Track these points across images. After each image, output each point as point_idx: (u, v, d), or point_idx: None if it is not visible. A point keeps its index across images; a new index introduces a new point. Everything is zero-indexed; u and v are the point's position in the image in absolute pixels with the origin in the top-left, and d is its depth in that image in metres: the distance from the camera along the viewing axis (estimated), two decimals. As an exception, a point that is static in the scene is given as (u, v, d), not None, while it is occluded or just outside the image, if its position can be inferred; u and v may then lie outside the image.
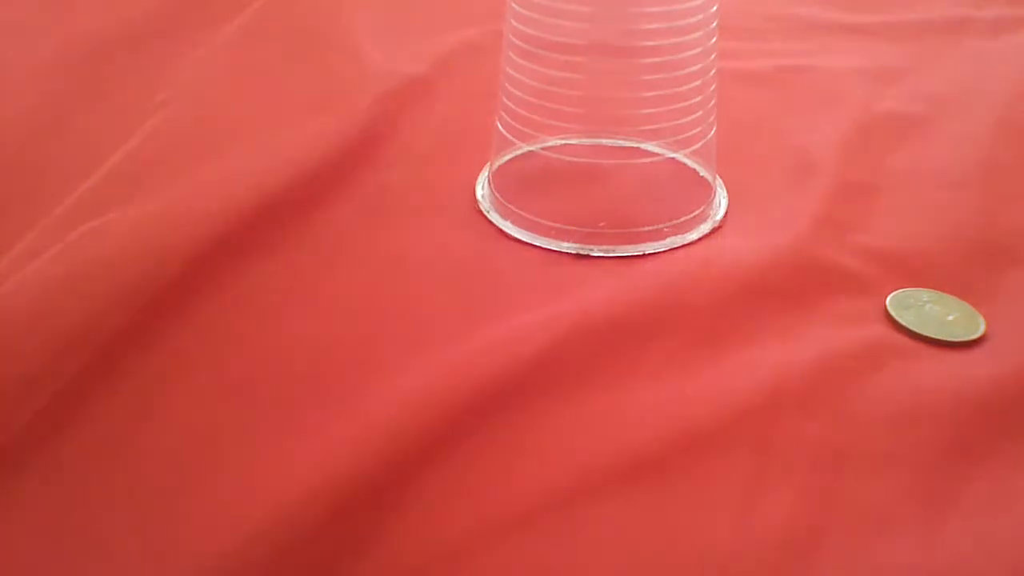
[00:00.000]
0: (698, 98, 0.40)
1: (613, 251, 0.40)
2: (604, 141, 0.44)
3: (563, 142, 0.43)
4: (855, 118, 0.49)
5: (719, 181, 0.44)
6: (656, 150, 0.43)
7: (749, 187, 0.44)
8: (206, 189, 0.41)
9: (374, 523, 0.28)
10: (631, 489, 0.29)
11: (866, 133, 0.48)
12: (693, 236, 0.41)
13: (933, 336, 0.35)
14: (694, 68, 0.40)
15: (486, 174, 0.45)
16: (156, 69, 0.53)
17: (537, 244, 0.40)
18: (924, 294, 0.37)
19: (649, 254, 0.40)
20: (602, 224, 0.40)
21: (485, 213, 0.42)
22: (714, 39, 0.40)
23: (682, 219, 0.41)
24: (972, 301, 0.37)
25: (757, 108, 0.52)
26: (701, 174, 0.44)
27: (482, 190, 0.44)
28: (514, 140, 0.42)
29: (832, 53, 0.58)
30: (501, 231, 0.41)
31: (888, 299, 0.37)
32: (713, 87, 0.41)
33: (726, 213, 0.43)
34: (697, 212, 0.42)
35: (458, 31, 0.59)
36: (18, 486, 0.29)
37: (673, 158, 0.43)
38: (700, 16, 0.39)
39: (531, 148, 0.43)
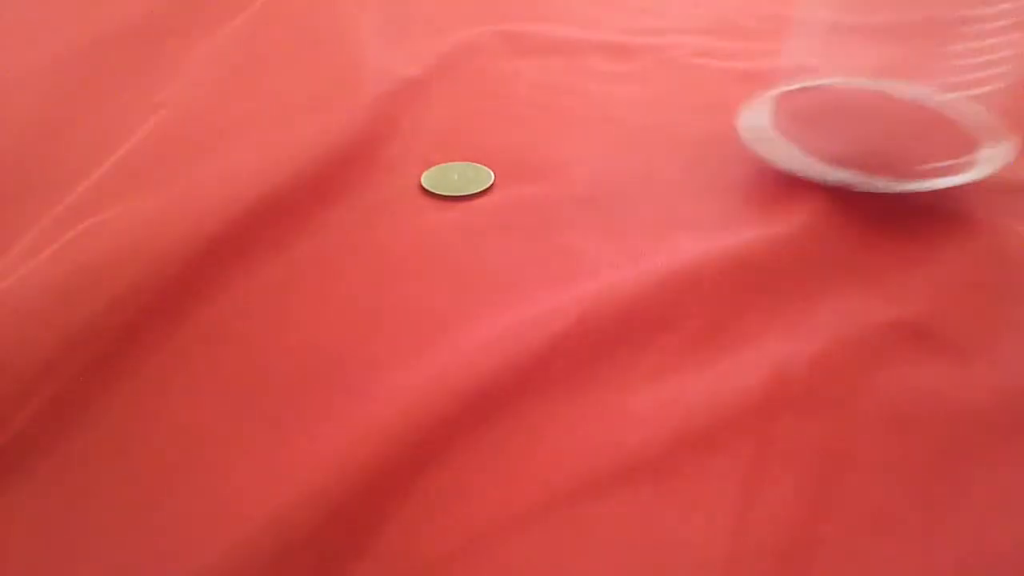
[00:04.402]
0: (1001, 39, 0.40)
1: (879, 186, 0.40)
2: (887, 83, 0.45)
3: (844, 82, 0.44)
4: (855, 117, 0.49)
5: (998, 132, 0.43)
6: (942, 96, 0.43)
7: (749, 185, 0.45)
8: (206, 188, 0.41)
9: (374, 523, 0.28)
10: (630, 489, 0.29)
11: (866, 132, 0.48)
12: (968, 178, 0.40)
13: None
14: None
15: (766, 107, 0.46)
16: (156, 69, 0.53)
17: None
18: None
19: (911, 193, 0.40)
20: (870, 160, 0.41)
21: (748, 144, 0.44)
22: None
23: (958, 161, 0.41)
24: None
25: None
26: (972, 123, 0.43)
27: (756, 119, 0.45)
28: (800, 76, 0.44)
29: (832, 53, 0.57)
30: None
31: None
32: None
33: (1008, 163, 0.42)
34: (962, 159, 0.41)
35: (458, 31, 0.59)
36: (18, 485, 0.29)
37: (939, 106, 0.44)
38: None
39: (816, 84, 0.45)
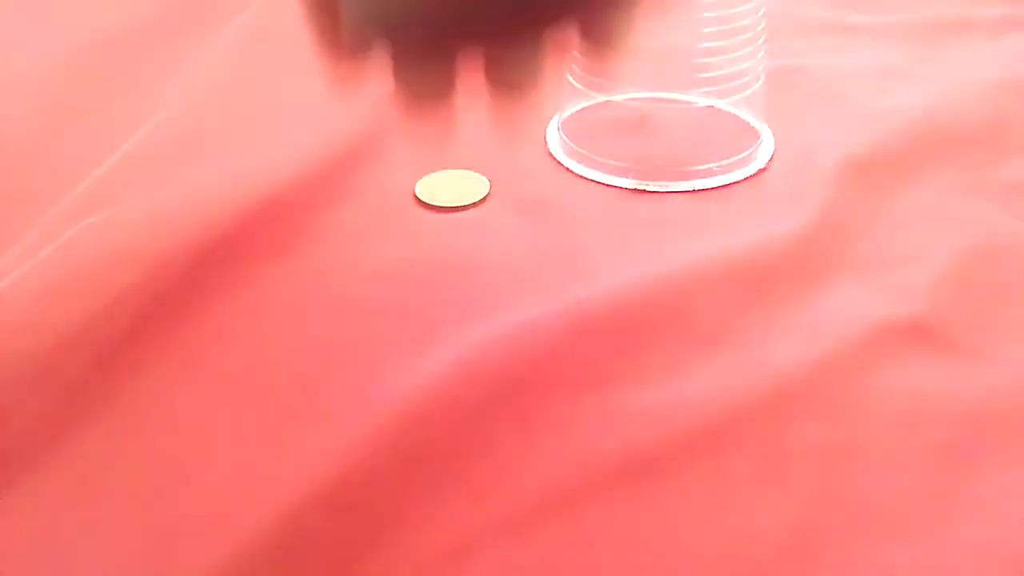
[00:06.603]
0: (749, 49, 0.45)
1: (667, 186, 0.44)
2: (662, 94, 0.49)
3: (626, 96, 0.49)
4: (856, 117, 0.49)
5: (766, 128, 0.48)
6: (708, 102, 0.48)
7: (749, 184, 0.45)
8: (206, 188, 0.41)
9: (374, 524, 0.28)
10: (631, 489, 0.29)
11: (867, 132, 0.48)
12: (739, 176, 0.45)
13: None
14: (746, 22, 0.44)
15: (555, 123, 0.49)
16: (156, 69, 0.53)
17: (600, 181, 0.45)
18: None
19: (699, 190, 0.44)
20: (658, 162, 0.45)
21: (553, 155, 0.47)
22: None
23: (731, 160, 0.45)
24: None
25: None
26: (750, 123, 0.48)
27: (551, 136, 0.48)
28: (586, 91, 0.48)
29: (833, 53, 0.57)
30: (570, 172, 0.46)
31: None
32: (761, 40, 0.45)
33: (771, 157, 0.46)
34: (744, 155, 0.46)
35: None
36: (19, 486, 0.29)
37: (724, 109, 0.48)
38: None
39: (598, 99, 0.49)
